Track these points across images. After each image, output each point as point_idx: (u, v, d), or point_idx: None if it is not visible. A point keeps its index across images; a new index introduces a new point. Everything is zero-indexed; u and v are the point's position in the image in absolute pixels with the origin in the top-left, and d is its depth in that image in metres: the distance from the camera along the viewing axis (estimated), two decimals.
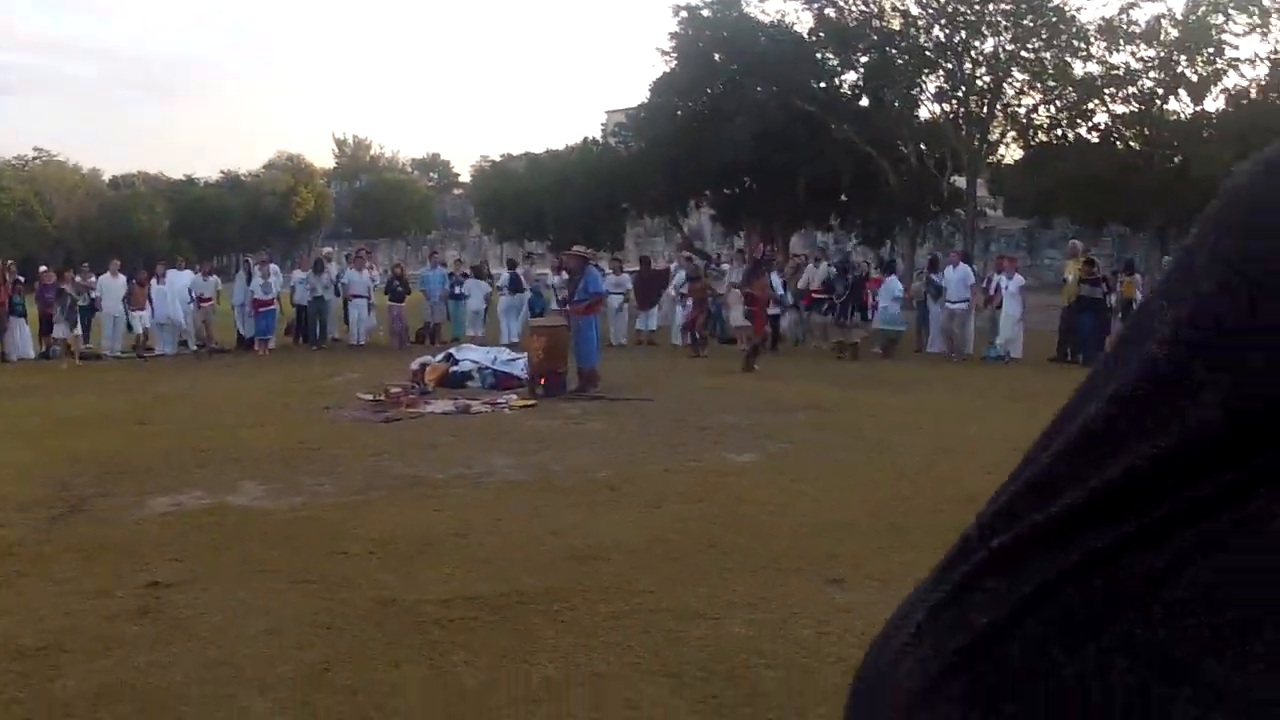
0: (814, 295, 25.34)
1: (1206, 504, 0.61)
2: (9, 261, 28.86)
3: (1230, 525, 0.61)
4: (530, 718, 4.92)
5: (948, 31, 37.38)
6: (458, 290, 28.71)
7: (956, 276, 23.78)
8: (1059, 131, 38.41)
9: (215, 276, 27.62)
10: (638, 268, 29.91)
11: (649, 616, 6.08)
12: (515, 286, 28.21)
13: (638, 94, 60.53)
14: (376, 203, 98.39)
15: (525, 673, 5.35)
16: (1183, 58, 34.69)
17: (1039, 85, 37.60)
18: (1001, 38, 36.79)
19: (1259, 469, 0.60)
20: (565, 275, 22.80)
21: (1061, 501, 0.66)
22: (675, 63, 42.57)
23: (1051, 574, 0.65)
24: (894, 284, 24.24)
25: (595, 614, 6.16)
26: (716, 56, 41.37)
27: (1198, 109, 36.00)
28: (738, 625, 5.93)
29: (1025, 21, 35.83)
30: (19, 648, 5.86)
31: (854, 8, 38.99)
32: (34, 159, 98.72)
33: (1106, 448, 0.65)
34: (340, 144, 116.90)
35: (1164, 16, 34.80)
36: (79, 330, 25.97)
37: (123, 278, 27.41)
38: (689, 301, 25.57)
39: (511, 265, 29.79)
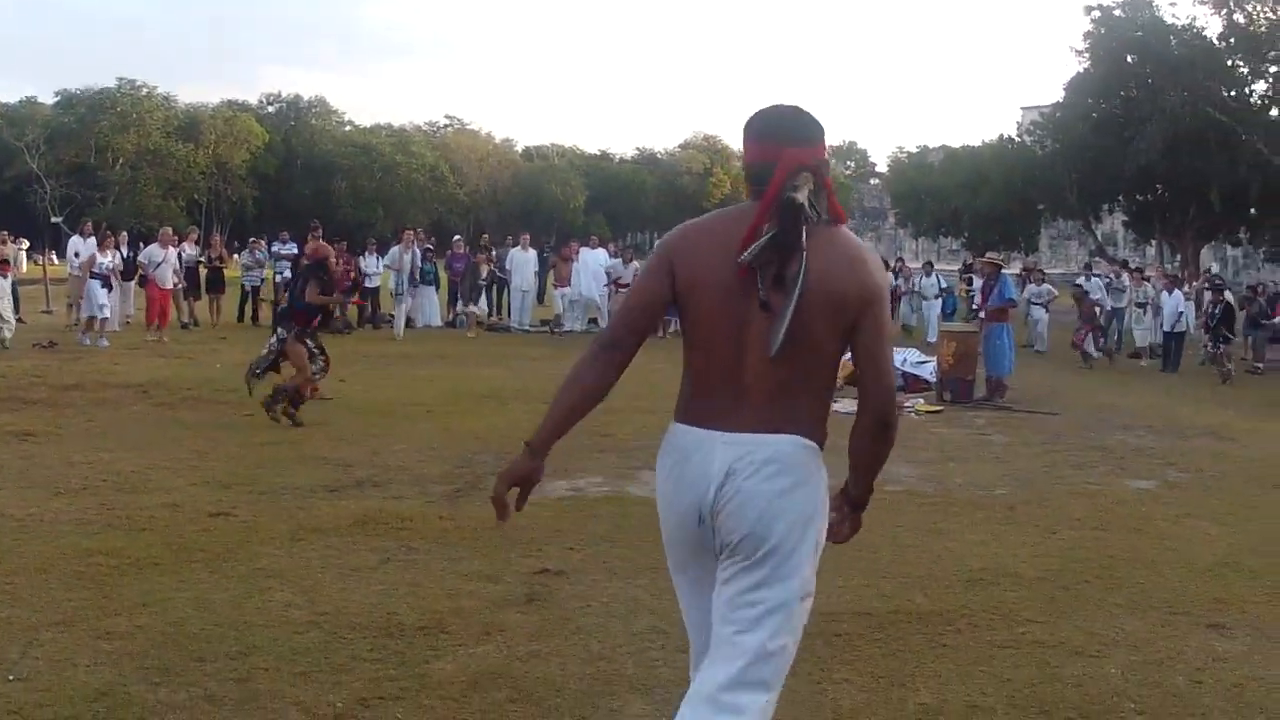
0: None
1: None
2: (417, 230, 30.24)
3: None
4: None
5: None
6: None
7: None
8: None
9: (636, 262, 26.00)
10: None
11: (1030, 649, 5.89)
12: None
13: (1052, 91, 58.89)
14: None
15: (901, 697, 5.17)
16: None
17: None
18: None
19: None
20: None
21: None
22: (1088, 63, 41.46)
23: None
24: None
25: (979, 641, 5.99)
26: (1129, 58, 39.94)
27: None
28: (1113, 666, 5.69)
29: None
30: (400, 625, 5.89)
31: (1263, 16, 36.84)
32: (445, 125, 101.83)
33: None
34: None
35: None
36: (483, 305, 26.83)
37: (533, 252, 28.20)
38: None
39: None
